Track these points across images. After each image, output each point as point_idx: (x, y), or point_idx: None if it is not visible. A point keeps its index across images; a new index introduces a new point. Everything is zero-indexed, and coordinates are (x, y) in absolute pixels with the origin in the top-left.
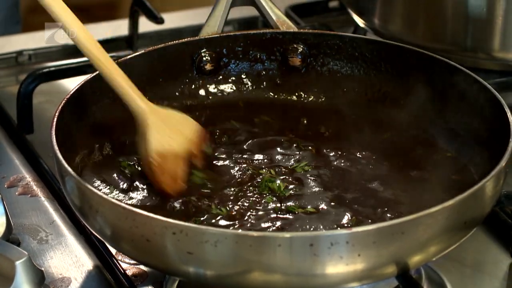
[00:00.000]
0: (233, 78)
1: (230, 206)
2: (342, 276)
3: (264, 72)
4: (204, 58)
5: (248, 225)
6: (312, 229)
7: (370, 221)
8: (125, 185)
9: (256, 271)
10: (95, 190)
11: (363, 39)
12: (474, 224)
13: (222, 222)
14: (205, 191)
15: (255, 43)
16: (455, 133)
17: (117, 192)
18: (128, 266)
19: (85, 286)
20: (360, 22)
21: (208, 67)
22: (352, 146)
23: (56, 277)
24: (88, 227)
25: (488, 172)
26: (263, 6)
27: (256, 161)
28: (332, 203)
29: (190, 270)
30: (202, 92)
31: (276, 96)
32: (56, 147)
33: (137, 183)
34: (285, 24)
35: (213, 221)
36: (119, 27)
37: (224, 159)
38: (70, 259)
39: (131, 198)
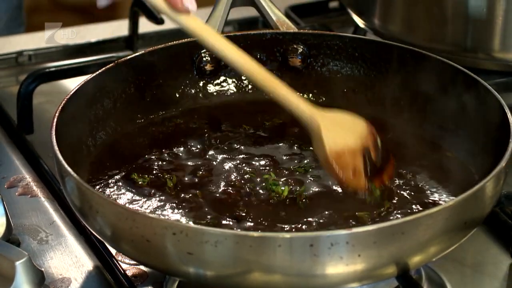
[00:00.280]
0: (233, 78)
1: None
2: (342, 277)
3: None
4: (204, 59)
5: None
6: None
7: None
8: (124, 185)
9: (256, 271)
10: (95, 191)
11: (363, 40)
12: (474, 225)
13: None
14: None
15: (255, 44)
16: (455, 133)
17: (116, 192)
18: (128, 266)
19: (85, 286)
20: (360, 22)
21: (208, 67)
22: None
23: (56, 277)
24: (88, 227)
25: (488, 172)
26: (263, 7)
27: (257, 163)
28: (333, 202)
29: (190, 271)
30: (201, 92)
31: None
32: (56, 148)
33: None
34: (285, 25)
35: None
36: (119, 28)
37: (224, 160)
38: (70, 260)
39: (130, 197)
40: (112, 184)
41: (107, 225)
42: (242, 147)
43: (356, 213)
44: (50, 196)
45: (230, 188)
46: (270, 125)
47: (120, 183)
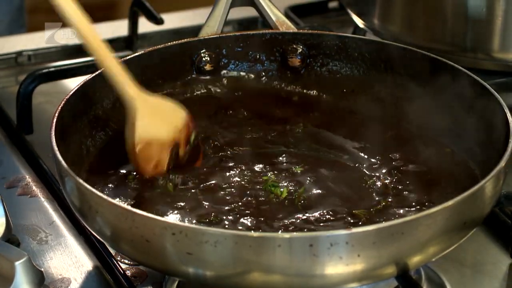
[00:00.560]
0: (233, 78)
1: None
2: (341, 277)
3: (263, 73)
4: (203, 59)
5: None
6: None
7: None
8: (122, 185)
9: (255, 271)
10: (95, 191)
11: (362, 40)
12: (474, 225)
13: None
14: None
15: (255, 44)
16: (454, 133)
17: (115, 192)
18: (127, 266)
19: (85, 286)
20: (359, 22)
21: (207, 67)
22: (353, 146)
23: (55, 277)
24: (88, 227)
25: (488, 172)
26: (263, 7)
27: (257, 163)
28: (335, 201)
29: (189, 271)
30: (201, 92)
31: (275, 97)
32: (55, 148)
33: (135, 183)
34: (285, 25)
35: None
36: (118, 28)
37: (223, 160)
38: (69, 260)
39: (130, 197)
40: (111, 184)
41: (106, 225)
42: (242, 147)
43: (353, 211)
44: (50, 196)
45: (229, 189)
46: (269, 125)
47: (120, 183)
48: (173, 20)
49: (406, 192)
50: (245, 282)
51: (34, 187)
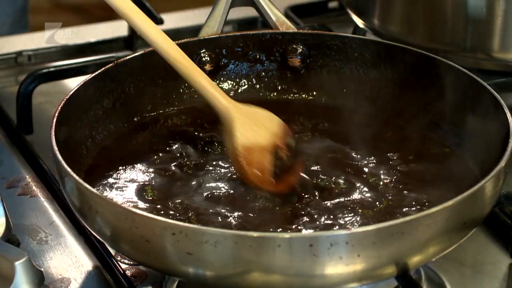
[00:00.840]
0: (233, 79)
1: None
2: (341, 277)
3: (263, 73)
4: (203, 59)
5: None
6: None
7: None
8: (122, 186)
9: (255, 271)
10: (95, 191)
11: (362, 40)
12: (474, 225)
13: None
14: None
15: (255, 44)
16: (454, 133)
17: (115, 192)
18: (127, 266)
19: (85, 286)
20: (359, 22)
21: (207, 67)
22: (353, 146)
23: (55, 277)
24: (88, 227)
25: (488, 172)
26: (263, 7)
27: None
28: (335, 202)
29: (189, 271)
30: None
31: (275, 97)
32: (55, 148)
33: (135, 184)
34: (285, 25)
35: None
36: (118, 28)
37: (223, 160)
38: (69, 260)
39: (130, 198)
40: (111, 184)
41: (106, 225)
42: None
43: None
44: (50, 196)
45: (229, 190)
46: None
47: (120, 183)
48: (173, 20)
49: (406, 192)
50: (245, 282)
51: (34, 187)
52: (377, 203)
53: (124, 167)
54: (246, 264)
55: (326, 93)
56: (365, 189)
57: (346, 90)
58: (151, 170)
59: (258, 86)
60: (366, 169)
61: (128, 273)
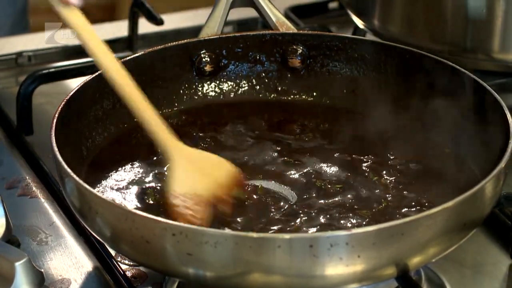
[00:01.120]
0: (233, 80)
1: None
2: (342, 278)
3: (263, 74)
4: (203, 60)
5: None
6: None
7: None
8: (122, 187)
9: (255, 272)
10: (95, 192)
11: (362, 40)
12: (474, 226)
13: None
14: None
15: (255, 45)
16: (454, 134)
17: (115, 193)
18: (127, 267)
19: (85, 287)
20: (359, 23)
21: (207, 68)
22: (353, 146)
23: (55, 278)
24: (88, 228)
25: (488, 173)
26: (263, 7)
27: (258, 164)
28: (335, 203)
29: (189, 271)
30: (201, 93)
31: (275, 98)
32: (55, 149)
33: (135, 185)
34: (285, 25)
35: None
36: (118, 28)
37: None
38: (69, 261)
39: (130, 198)
40: (111, 185)
41: (106, 226)
42: (241, 148)
43: (359, 211)
44: (50, 197)
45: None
46: (269, 126)
47: (120, 184)
48: (173, 21)
49: (406, 192)
50: (245, 282)
51: (34, 188)
52: (377, 203)
53: (124, 168)
54: (246, 264)
55: (326, 94)
56: (365, 189)
57: (346, 90)
58: (151, 171)
59: (258, 87)
60: (366, 169)
61: (128, 274)
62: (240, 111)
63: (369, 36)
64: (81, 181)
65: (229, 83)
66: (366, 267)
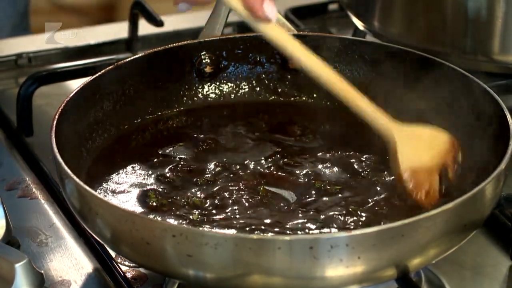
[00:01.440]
0: (233, 81)
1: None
2: (342, 279)
3: (264, 75)
4: (203, 61)
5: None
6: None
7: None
8: (122, 188)
9: (255, 273)
10: (95, 193)
11: (362, 42)
12: (474, 227)
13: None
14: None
15: (255, 46)
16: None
17: (115, 194)
18: (127, 268)
19: None
20: (359, 24)
21: (207, 70)
22: (353, 147)
23: (55, 279)
24: (88, 229)
25: (488, 174)
26: None
27: (258, 165)
28: (334, 204)
29: (189, 273)
30: (201, 95)
31: (276, 99)
32: (55, 150)
33: (135, 187)
34: (285, 27)
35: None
36: (118, 30)
37: (223, 161)
38: (69, 262)
39: (130, 200)
40: (112, 186)
41: (106, 227)
42: (242, 149)
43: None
44: (50, 198)
45: (228, 192)
46: (270, 127)
47: (120, 186)
48: (173, 22)
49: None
50: (245, 284)
51: (34, 189)
52: (377, 204)
53: (124, 169)
54: (246, 266)
55: (327, 95)
56: (366, 190)
57: None
58: (151, 172)
59: (258, 88)
60: (367, 169)
61: (128, 275)
62: (240, 112)
63: (369, 38)
64: (81, 182)
65: (229, 84)
66: (366, 268)
